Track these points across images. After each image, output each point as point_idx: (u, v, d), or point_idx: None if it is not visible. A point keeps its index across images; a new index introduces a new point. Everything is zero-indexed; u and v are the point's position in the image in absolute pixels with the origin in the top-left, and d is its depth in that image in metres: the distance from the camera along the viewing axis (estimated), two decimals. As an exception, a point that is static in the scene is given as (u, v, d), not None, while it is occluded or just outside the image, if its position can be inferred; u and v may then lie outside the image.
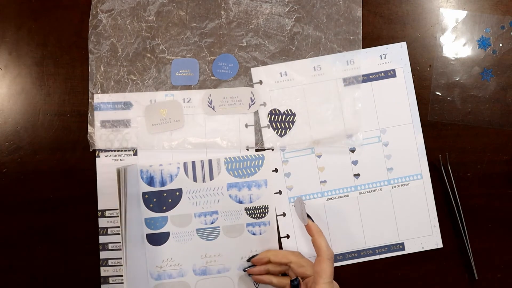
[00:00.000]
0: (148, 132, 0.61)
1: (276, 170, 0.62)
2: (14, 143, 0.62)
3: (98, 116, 0.62)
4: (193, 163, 0.61)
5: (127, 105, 0.62)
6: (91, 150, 0.61)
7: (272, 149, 0.62)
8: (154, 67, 0.61)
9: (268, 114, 0.62)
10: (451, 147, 0.63)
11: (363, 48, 0.62)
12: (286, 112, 0.62)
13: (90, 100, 0.62)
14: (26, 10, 0.63)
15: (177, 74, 0.61)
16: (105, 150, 0.62)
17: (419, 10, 0.64)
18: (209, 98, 0.61)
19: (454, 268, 0.62)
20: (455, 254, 0.62)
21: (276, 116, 0.62)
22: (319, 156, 0.62)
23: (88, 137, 0.61)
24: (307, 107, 0.62)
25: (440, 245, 0.62)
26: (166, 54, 0.62)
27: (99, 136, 0.61)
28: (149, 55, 0.62)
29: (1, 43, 0.62)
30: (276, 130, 0.62)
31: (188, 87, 0.62)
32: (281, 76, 0.62)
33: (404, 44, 0.63)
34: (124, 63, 0.61)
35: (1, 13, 0.62)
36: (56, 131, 0.62)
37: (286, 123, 0.62)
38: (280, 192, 0.62)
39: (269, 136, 0.62)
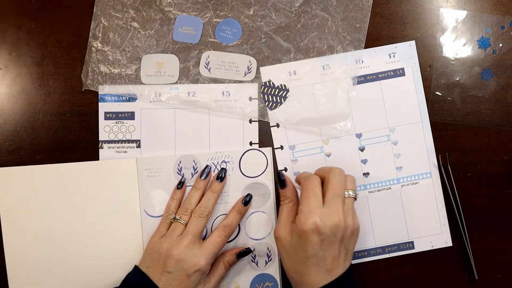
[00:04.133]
0: (142, 81, 0.62)
1: (285, 169, 0.62)
2: (14, 143, 0.62)
3: (103, 108, 0.62)
4: None
5: (131, 98, 0.62)
6: (83, 90, 0.61)
7: (282, 148, 0.62)
8: (158, 19, 0.62)
9: (262, 85, 0.62)
10: (451, 147, 0.63)
11: (364, 48, 0.62)
12: (279, 87, 0.62)
13: (90, 40, 0.62)
14: (26, 10, 0.63)
15: (179, 30, 0.61)
16: (108, 142, 0.62)
17: (419, 10, 0.64)
18: (207, 59, 0.62)
19: (454, 268, 0.62)
20: (455, 254, 0.62)
21: (270, 89, 0.62)
22: (328, 155, 0.62)
23: (82, 76, 0.61)
24: (315, 100, 0.62)
25: (450, 244, 0.62)
26: (172, 9, 0.62)
27: (102, 127, 0.62)
28: (155, 6, 0.62)
29: (1, 43, 0.62)
30: (266, 103, 0.62)
31: (187, 47, 0.62)
32: (290, 75, 0.62)
33: (413, 43, 0.63)
34: (129, 10, 0.62)
35: (1, 13, 0.62)
36: (56, 131, 0.62)
37: (278, 97, 0.62)
38: None
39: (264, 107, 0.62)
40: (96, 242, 0.59)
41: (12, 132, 0.62)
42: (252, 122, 0.62)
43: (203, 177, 0.59)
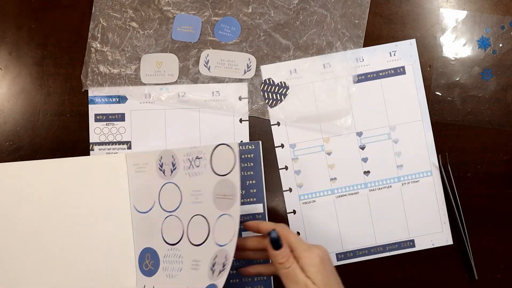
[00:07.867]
0: (142, 81, 0.62)
1: (286, 168, 0.62)
2: (14, 143, 0.62)
3: (93, 110, 0.62)
4: None
5: (121, 99, 0.62)
6: (83, 90, 0.62)
7: (282, 146, 0.62)
8: (157, 19, 0.62)
9: (262, 83, 0.62)
10: (451, 147, 0.63)
11: (363, 45, 0.62)
12: (279, 84, 0.62)
13: (89, 40, 0.62)
14: (26, 10, 0.63)
15: (178, 29, 0.61)
16: (99, 144, 0.62)
17: (419, 10, 0.63)
18: (206, 58, 0.62)
19: (454, 268, 0.62)
20: (455, 253, 0.62)
21: (270, 87, 0.62)
22: (329, 154, 0.62)
23: (82, 77, 0.61)
24: (315, 97, 0.62)
25: (450, 242, 0.62)
26: (170, 8, 0.62)
27: (93, 129, 0.62)
28: (154, 6, 0.62)
29: (1, 43, 0.62)
30: (267, 100, 0.62)
31: (187, 46, 0.62)
32: (291, 73, 0.63)
33: (413, 41, 0.63)
34: (128, 10, 0.62)
35: (1, 13, 0.62)
36: (56, 131, 0.62)
37: (278, 95, 0.62)
38: (290, 190, 0.62)
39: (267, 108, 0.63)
40: (85, 238, 0.59)
41: (12, 132, 0.62)
42: (243, 122, 0.62)
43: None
